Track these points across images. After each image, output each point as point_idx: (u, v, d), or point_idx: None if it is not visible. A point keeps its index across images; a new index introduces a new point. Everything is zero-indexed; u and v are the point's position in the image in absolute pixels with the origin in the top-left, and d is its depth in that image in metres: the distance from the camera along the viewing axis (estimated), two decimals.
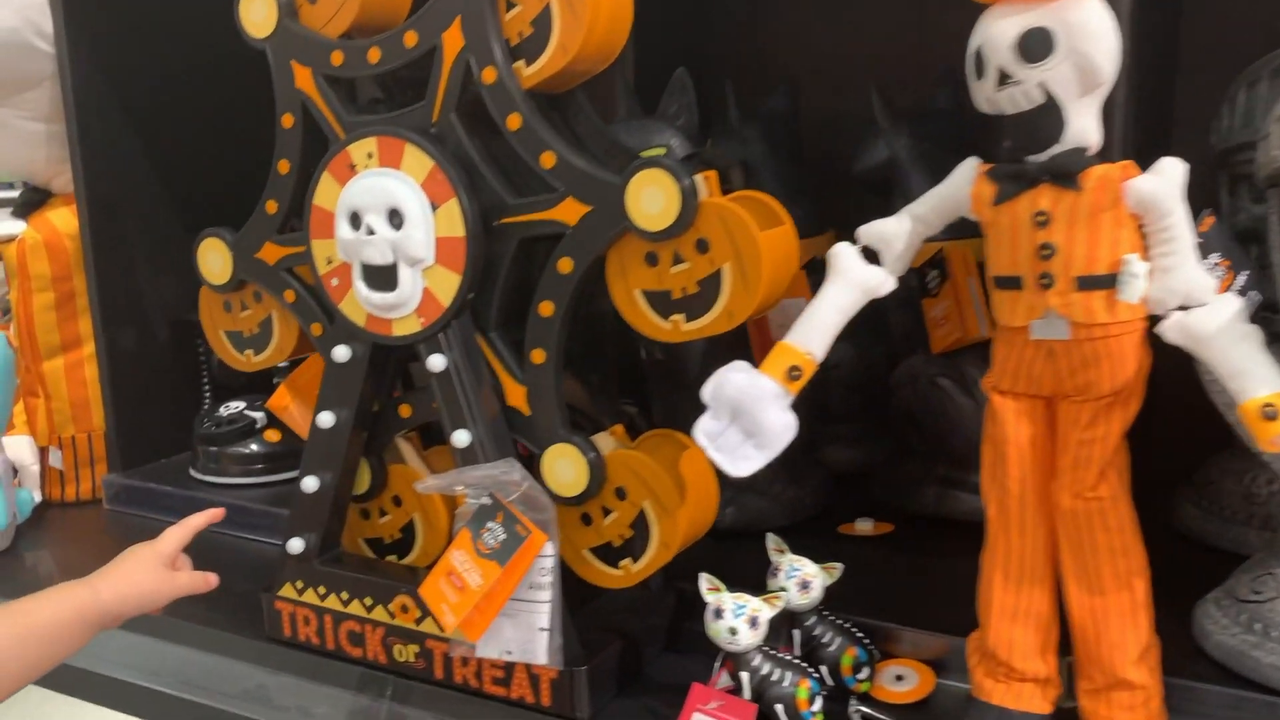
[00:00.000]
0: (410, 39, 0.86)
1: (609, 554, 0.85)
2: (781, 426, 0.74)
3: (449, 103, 0.84)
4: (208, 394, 1.38)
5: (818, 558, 0.87)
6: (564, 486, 0.83)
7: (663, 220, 0.76)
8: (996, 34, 0.67)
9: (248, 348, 1.02)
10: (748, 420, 0.74)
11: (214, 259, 1.00)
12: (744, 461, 0.75)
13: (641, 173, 0.76)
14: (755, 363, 1.08)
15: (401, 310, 0.85)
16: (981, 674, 0.77)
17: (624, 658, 0.89)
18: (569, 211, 0.80)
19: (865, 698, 0.85)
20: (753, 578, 0.89)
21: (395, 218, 0.83)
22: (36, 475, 1.30)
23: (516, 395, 0.84)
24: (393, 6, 0.92)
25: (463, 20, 0.83)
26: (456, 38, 0.83)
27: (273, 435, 1.29)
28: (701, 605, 0.97)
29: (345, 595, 0.93)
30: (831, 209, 1.17)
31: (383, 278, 0.85)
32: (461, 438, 0.85)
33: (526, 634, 0.82)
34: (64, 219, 1.30)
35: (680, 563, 0.94)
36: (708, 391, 0.76)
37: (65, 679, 1.03)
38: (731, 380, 0.75)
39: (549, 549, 0.81)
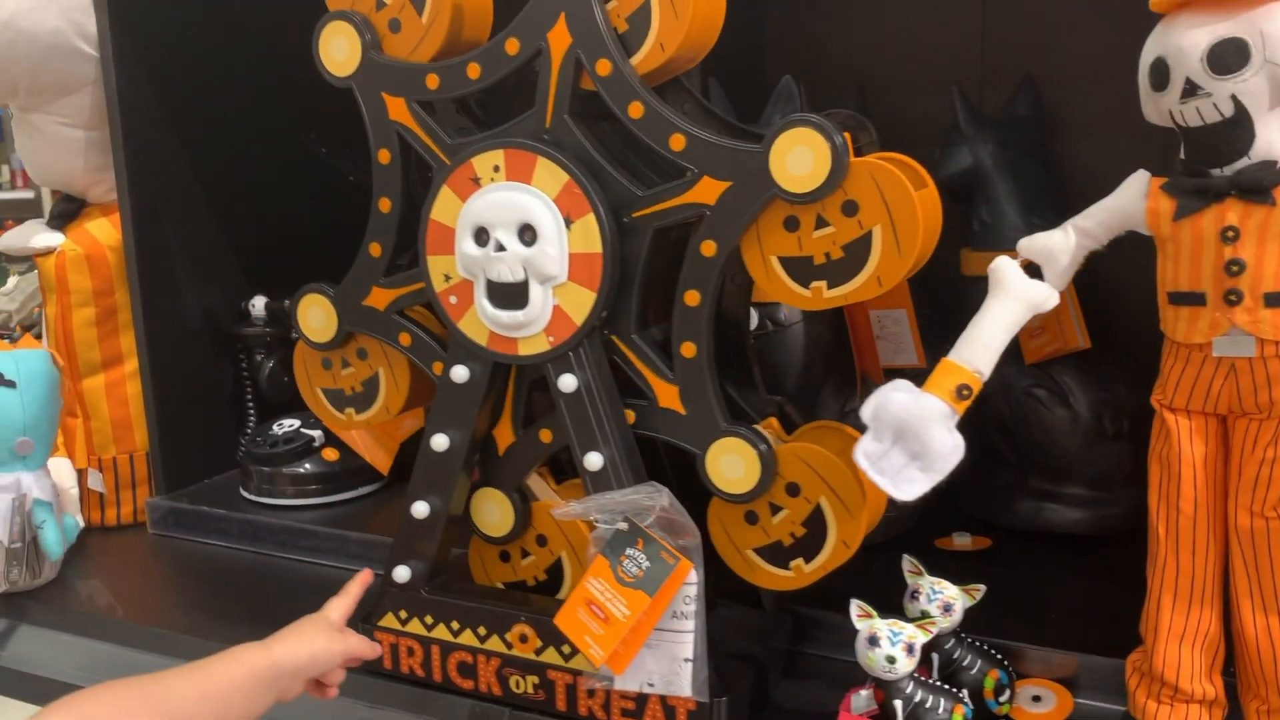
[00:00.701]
0: (512, 46, 0.82)
1: (777, 554, 0.81)
2: (950, 448, 0.72)
3: (561, 105, 0.81)
4: (253, 411, 1.33)
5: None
6: (731, 484, 0.79)
7: (812, 181, 0.73)
8: (1187, 44, 0.66)
9: (349, 406, 0.97)
10: (913, 442, 0.72)
11: (315, 315, 0.94)
12: (908, 485, 0.72)
13: (787, 132, 0.73)
14: (856, 372, 1.06)
15: (529, 329, 0.82)
16: (1143, 695, 0.76)
17: (755, 686, 0.86)
18: (707, 191, 0.77)
19: None
20: (858, 594, 0.88)
21: (527, 233, 0.79)
22: (76, 498, 1.24)
23: (669, 395, 0.81)
24: (479, 23, 0.89)
25: (568, 17, 0.79)
26: (563, 36, 0.80)
27: (331, 454, 1.24)
28: (815, 628, 0.95)
29: (456, 625, 0.89)
30: None
31: (511, 295, 0.81)
32: (594, 460, 0.81)
33: (669, 665, 0.79)
34: (103, 230, 1.23)
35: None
36: (868, 412, 0.73)
37: None
38: (895, 400, 0.72)
39: (694, 576, 0.78)
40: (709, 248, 0.77)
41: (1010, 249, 1.08)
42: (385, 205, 0.89)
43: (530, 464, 0.88)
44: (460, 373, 0.86)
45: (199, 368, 1.30)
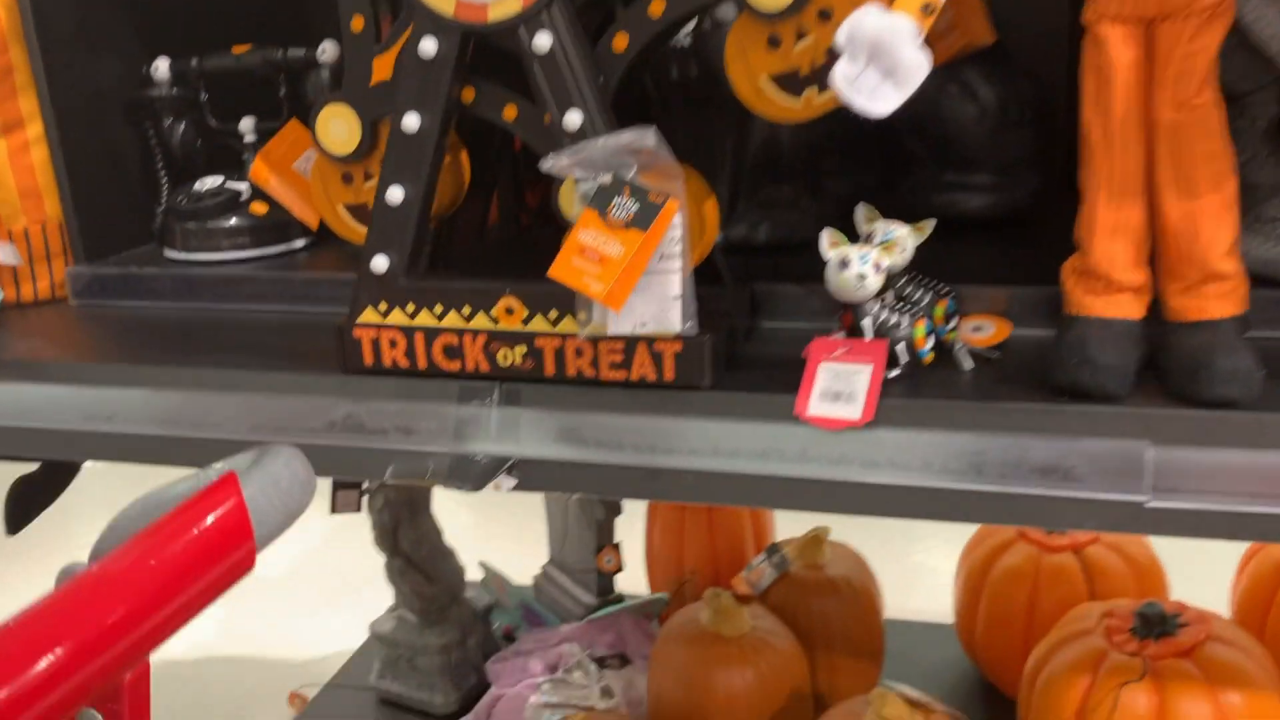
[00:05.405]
0: None
1: (792, 83, 0.84)
2: (918, 64, 0.78)
3: None
4: (165, 177, 1.29)
5: None
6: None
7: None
8: None
9: None
10: (885, 60, 0.78)
11: (337, 127, 0.94)
12: (882, 101, 0.78)
13: None
14: None
15: None
16: (1081, 292, 0.85)
17: (729, 338, 0.92)
18: None
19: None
20: (804, 274, 0.96)
21: None
22: None
23: None
24: None
25: None
26: None
27: (259, 208, 1.23)
28: (770, 301, 1.02)
29: (439, 309, 0.92)
30: None
31: None
32: (574, 119, 0.84)
33: (659, 304, 0.84)
34: None
35: (745, 265, 0.98)
36: (843, 35, 0.78)
37: (156, 447, 0.98)
38: (868, 22, 0.78)
39: (679, 217, 0.83)
40: None
41: None
42: None
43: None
44: (428, 47, 0.86)
45: (107, 134, 1.25)
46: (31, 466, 1.36)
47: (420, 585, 1.61)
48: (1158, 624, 1.18)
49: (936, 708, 1.20)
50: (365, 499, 1.64)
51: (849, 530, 1.51)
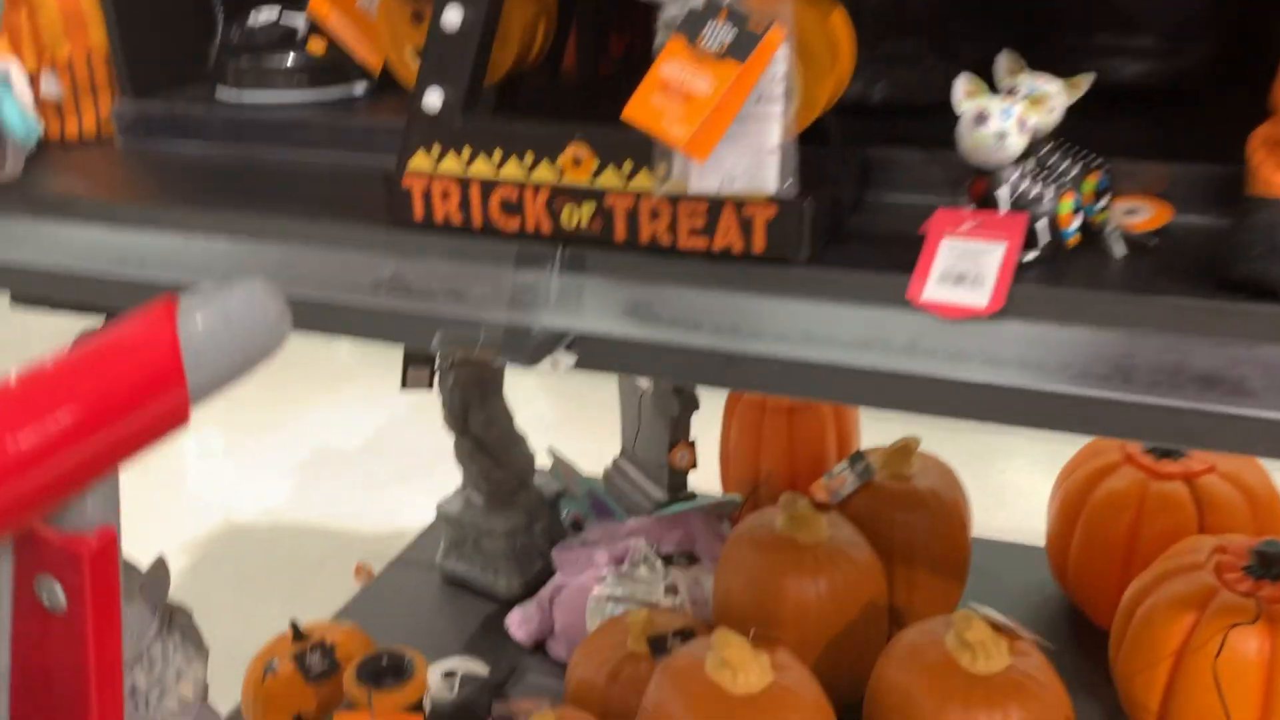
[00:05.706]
0: None
1: None
2: None
3: None
4: (220, 7, 1.18)
5: None
6: None
7: None
8: None
9: None
10: None
11: None
12: None
13: None
14: None
15: None
16: (1272, 168, 0.70)
17: (833, 206, 0.79)
18: None
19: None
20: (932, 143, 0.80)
21: None
22: (31, 100, 1.10)
23: None
24: None
25: None
26: None
27: (316, 46, 1.11)
28: (887, 170, 0.88)
29: (498, 156, 0.80)
30: None
31: None
32: None
33: (753, 157, 0.71)
34: None
35: (856, 127, 0.85)
36: None
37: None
38: None
39: (783, 51, 0.69)
40: None
41: None
42: None
43: None
44: None
45: None
46: (95, 320, 1.30)
47: (488, 468, 1.54)
48: (1277, 564, 1.05)
49: (1022, 633, 1.09)
50: (436, 377, 1.56)
51: (935, 442, 1.38)
